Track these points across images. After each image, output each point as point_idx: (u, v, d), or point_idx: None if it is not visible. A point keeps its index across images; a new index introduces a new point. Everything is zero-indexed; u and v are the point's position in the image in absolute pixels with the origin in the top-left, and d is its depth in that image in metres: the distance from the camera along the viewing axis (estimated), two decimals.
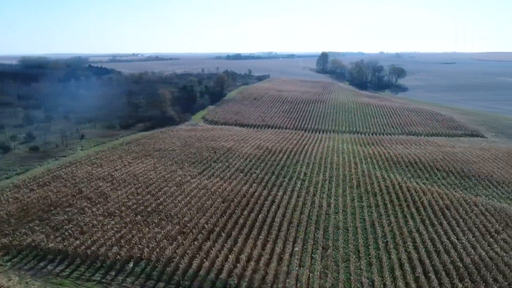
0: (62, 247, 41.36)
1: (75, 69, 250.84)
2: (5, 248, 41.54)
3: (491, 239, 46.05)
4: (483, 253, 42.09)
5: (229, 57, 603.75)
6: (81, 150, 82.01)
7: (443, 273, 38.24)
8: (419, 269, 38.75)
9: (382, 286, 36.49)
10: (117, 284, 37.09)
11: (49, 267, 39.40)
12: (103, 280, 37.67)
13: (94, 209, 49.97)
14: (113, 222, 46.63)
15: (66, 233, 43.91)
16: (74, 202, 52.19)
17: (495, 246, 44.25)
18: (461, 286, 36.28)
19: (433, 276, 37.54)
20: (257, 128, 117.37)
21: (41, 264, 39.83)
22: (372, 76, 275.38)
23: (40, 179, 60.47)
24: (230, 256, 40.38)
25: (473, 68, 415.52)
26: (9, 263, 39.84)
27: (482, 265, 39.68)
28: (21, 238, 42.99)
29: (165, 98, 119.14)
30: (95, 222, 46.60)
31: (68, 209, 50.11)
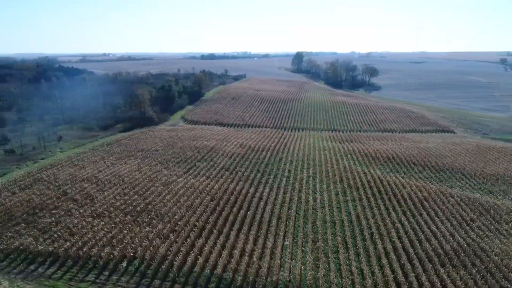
0: (53, 249, 40.82)
1: (46, 70, 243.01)
2: None
3: (467, 227, 49.01)
4: (461, 240, 44.83)
5: (203, 57, 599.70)
6: (60, 152, 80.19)
7: (426, 260, 40.54)
8: (404, 257, 40.88)
9: (370, 274, 38.31)
10: (112, 284, 37.11)
11: (39, 269, 38.88)
12: (97, 281, 37.58)
13: (81, 211, 49.39)
14: (102, 223, 46.33)
15: (55, 235, 43.31)
16: (60, 204, 51.34)
17: (471, 233, 47.18)
18: (443, 271, 38.63)
19: (417, 263, 39.74)
20: (238, 127, 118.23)
21: (31, 267, 39.23)
22: (346, 75, 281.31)
23: (21, 182, 58.92)
24: (223, 252, 41.17)
25: (441, 67, 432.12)
26: None
27: (461, 251, 42.32)
28: (8, 242, 42.08)
29: (144, 98, 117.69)
30: (84, 223, 46.14)
31: (54, 211, 49.29)
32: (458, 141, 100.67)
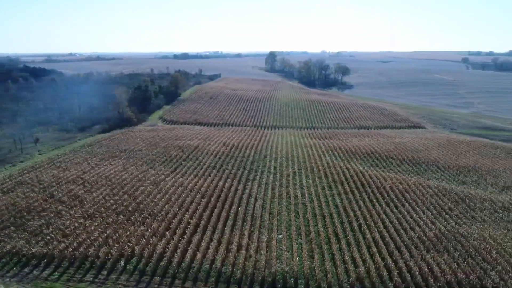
0: (47, 251, 40.28)
1: (10, 70, 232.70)
2: None
3: (446, 215, 52.33)
4: (442, 227, 47.92)
5: (176, 57, 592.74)
6: (39, 154, 77.97)
7: (412, 246, 43.18)
8: (392, 245, 43.35)
9: (362, 262, 40.37)
10: (112, 283, 37.20)
11: (35, 272, 38.31)
12: (96, 280, 37.55)
13: (71, 212, 48.76)
14: (95, 224, 46.03)
15: (48, 237, 42.67)
16: (48, 206, 50.38)
17: (451, 221, 50.47)
18: (429, 256, 41.34)
19: (405, 250, 42.28)
20: (218, 126, 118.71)
21: (26, 270, 38.58)
22: (319, 74, 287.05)
23: (3, 185, 57.14)
24: (220, 247, 42.12)
25: (407, 66, 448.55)
26: None
27: (443, 238, 45.32)
28: (8, 245, 41.06)
29: (121, 98, 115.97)
30: (76, 224, 45.65)
31: (43, 213, 48.36)
32: (430, 136, 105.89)
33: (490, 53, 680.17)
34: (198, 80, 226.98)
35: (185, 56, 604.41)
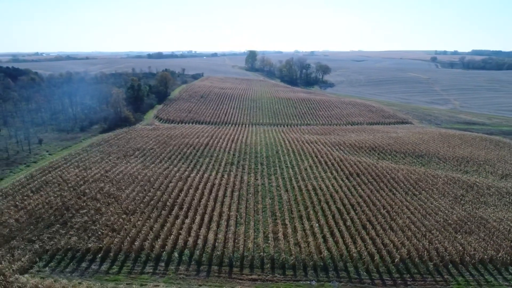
0: (102, 245, 40.98)
1: None
2: (37, 253, 39.64)
3: (461, 201, 56.77)
4: (462, 212, 52.19)
5: (150, 56, 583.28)
6: (49, 154, 76.72)
7: (442, 229, 47.03)
8: (423, 228, 47.00)
9: (401, 244, 43.57)
10: (172, 273, 38.51)
11: (93, 266, 39.01)
12: (157, 271, 38.75)
13: (111, 209, 49.28)
14: (140, 219, 46.98)
15: (99, 233, 43.29)
16: (84, 204, 50.59)
17: (467, 206, 54.92)
18: (459, 236, 45.24)
19: (436, 232, 46.07)
20: (216, 125, 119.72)
21: (83, 264, 39.19)
22: (301, 73, 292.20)
23: (30, 185, 56.47)
24: (268, 236, 44.19)
25: (381, 65, 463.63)
26: (47, 268, 38.38)
27: (466, 220, 49.49)
28: (51, 243, 41.30)
29: (118, 98, 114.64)
30: (121, 220, 46.37)
31: (82, 211, 48.62)
32: (422, 131, 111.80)
33: (455, 52, 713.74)
34: (183, 79, 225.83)
35: (159, 55, 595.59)
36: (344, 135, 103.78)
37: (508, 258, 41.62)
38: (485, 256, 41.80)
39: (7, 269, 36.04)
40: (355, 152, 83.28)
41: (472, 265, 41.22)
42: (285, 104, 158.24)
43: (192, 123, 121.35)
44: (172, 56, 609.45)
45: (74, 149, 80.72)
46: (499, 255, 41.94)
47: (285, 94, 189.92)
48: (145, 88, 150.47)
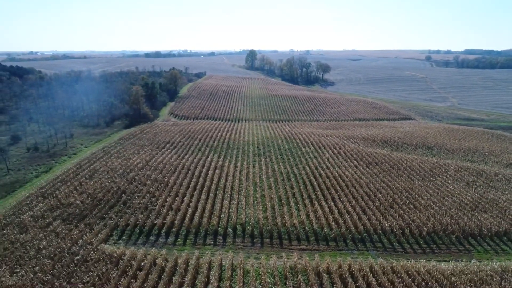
0: (166, 222, 46.31)
1: None
2: (110, 228, 44.83)
3: (473, 186, 62.99)
4: (475, 194, 58.40)
5: (148, 55, 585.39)
6: (85, 147, 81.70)
7: (460, 208, 53.10)
8: (443, 208, 53.04)
9: (427, 220, 49.44)
10: (231, 244, 43.99)
11: (160, 239, 44.34)
12: (217, 243, 44.21)
13: (164, 193, 54.57)
14: (194, 200, 52.29)
15: (161, 212, 48.62)
16: (137, 188, 55.86)
17: (479, 189, 61.16)
18: (476, 214, 51.36)
19: (455, 210, 52.09)
20: (230, 121, 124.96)
21: (151, 238, 44.52)
22: (302, 72, 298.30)
23: (82, 173, 61.58)
24: (310, 214, 49.90)
25: (377, 64, 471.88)
26: (120, 240, 43.66)
27: (479, 201, 55.71)
28: (121, 220, 46.57)
29: (138, 95, 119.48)
30: (176, 201, 51.71)
31: (138, 194, 53.95)
32: (427, 126, 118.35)
33: (448, 52, 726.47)
34: (189, 77, 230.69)
35: (157, 54, 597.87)
36: (354, 130, 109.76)
37: None
38: (500, 230, 47.96)
39: (92, 240, 41.28)
40: (369, 145, 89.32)
41: (489, 237, 47.34)
42: (292, 101, 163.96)
43: (207, 119, 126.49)
44: (170, 55, 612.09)
45: (106, 142, 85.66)
46: None
47: (289, 92, 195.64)
48: (157, 86, 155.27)
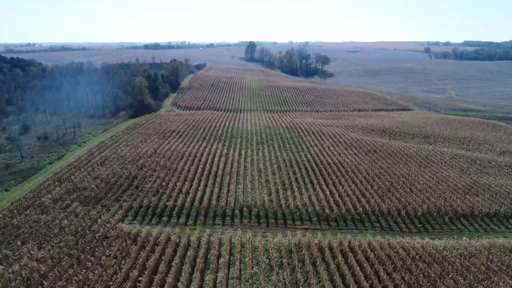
0: (177, 204, 49.27)
1: None
2: (125, 210, 47.74)
3: (467, 171, 66.12)
4: (468, 179, 61.54)
5: (147, 47, 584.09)
6: (93, 136, 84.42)
7: (454, 191, 56.23)
8: (438, 191, 56.15)
9: (422, 203, 52.52)
10: (239, 224, 47.01)
11: (172, 220, 47.30)
12: (225, 223, 47.22)
13: (173, 178, 57.47)
14: (202, 184, 55.26)
15: (172, 194, 51.55)
16: (147, 174, 58.76)
17: (472, 175, 64.28)
18: (469, 197, 54.49)
19: (449, 194, 55.22)
20: (232, 111, 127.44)
21: (164, 219, 47.48)
22: (301, 63, 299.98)
23: (94, 160, 64.42)
24: (312, 196, 52.94)
25: (376, 56, 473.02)
26: (135, 220, 46.62)
27: (472, 185, 58.88)
28: (134, 202, 49.53)
29: (141, 86, 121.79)
30: (186, 185, 54.63)
31: (149, 179, 56.90)
32: (425, 116, 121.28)
33: (447, 43, 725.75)
34: (189, 69, 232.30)
35: (156, 46, 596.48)
36: (353, 120, 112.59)
37: (509, 212, 51.03)
38: (490, 211, 51.11)
39: (110, 219, 44.26)
40: (368, 134, 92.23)
41: (480, 218, 50.51)
42: (292, 92, 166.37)
43: (209, 109, 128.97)
44: (169, 47, 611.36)
45: (114, 131, 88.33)
46: (502, 209, 51.32)
47: (289, 83, 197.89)
48: (160, 78, 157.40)
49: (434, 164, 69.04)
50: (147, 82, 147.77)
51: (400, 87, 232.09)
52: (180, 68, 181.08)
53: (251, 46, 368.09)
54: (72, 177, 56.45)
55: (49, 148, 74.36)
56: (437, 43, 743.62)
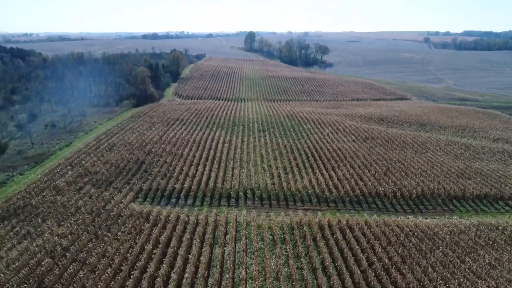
0: (184, 187, 51.97)
1: None
2: (135, 192, 50.43)
3: (460, 157, 68.90)
4: (462, 164, 64.35)
5: (145, 37, 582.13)
6: (99, 124, 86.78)
7: (447, 175, 59.02)
8: (432, 175, 58.93)
9: (416, 185, 55.33)
10: (243, 205, 49.74)
11: (180, 201, 50.02)
12: (230, 204, 49.97)
13: (179, 163, 60.11)
14: (207, 169, 57.92)
15: (179, 178, 54.23)
16: (154, 159, 61.38)
17: (466, 161, 67.08)
18: (461, 180, 57.35)
19: (443, 177, 58.01)
20: (233, 101, 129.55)
21: (172, 200, 50.21)
22: (300, 53, 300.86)
23: (102, 146, 67.03)
24: (312, 179, 55.69)
25: (375, 46, 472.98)
26: (145, 202, 49.34)
27: (465, 170, 61.68)
28: (144, 184, 52.25)
29: (144, 76, 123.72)
30: (192, 169, 57.30)
31: (156, 163, 59.57)
32: (422, 105, 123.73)
33: (447, 33, 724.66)
34: (189, 59, 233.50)
35: (155, 36, 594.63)
36: (352, 109, 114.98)
37: (498, 194, 53.90)
38: (481, 193, 53.98)
39: (122, 200, 47.01)
40: (366, 122, 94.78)
41: (471, 199, 53.38)
42: (292, 82, 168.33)
43: (211, 99, 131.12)
44: (168, 37, 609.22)
45: (119, 120, 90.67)
46: (492, 192, 54.21)
47: (289, 73, 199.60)
48: (161, 67, 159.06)
49: (429, 150, 71.77)
50: (149, 72, 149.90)
51: (398, 77, 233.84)
52: (181, 58, 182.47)
53: (250, 36, 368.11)
54: (83, 162, 59.06)
55: (57, 135, 76.76)
56: (437, 33, 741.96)
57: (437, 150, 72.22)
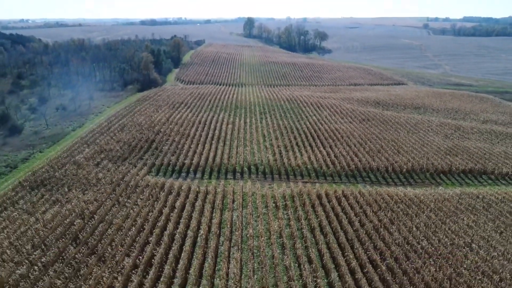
0: (194, 162, 56.43)
1: None
2: (148, 166, 54.90)
3: (450, 137, 73.49)
4: (450, 143, 68.95)
5: (143, 23, 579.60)
6: (107, 107, 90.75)
7: (436, 153, 63.64)
8: (422, 152, 63.52)
9: (407, 162, 59.95)
10: (248, 178, 54.30)
11: (190, 175, 54.52)
12: (236, 177, 54.46)
13: (188, 142, 64.49)
14: (214, 147, 62.36)
15: (188, 155, 58.71)
16: (164, 138, 65.70)
17: (455, 140, 71.67)
18: (448, 157, 61.97)
19: (432, 155, 62.63)
20: (235, 86, 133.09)
21: (183, 174, 54.73)
22: (299, 40, 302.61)
23: (113, 127, 71.20)
24: (311, 157, 60.21)
25: (374, 32, 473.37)
26: (158, 175, 53.85)
27: (453, 148, 66.30)
28: (156, 160, 56.74)
29: (148, 62, 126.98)
30: (200, 148, 61.72)
31: (166, 142, 63.93)
32: (417, 90, 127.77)
33: (447, 19, 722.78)
34: (190, 45, 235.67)
35: (153, 22, 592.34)
36: (350, 93, 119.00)
37: (482, 169, 58.64)
38: (466, 168, 58.69)
39: (138, 173, 51.53)
40: (363, 105, 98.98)
41: (457, 174, 58.10)
42: (291, 68, 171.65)
43: (212, 84, 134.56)
44: (166, 23, 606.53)
45: (126, 103, 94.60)
46: (476, 167, 58.91)
47: (288, 59, 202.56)
48: (163, 53, 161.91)
49: (421, 131, 76.28)
50: (153, 58, 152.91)
51: (396, 63, 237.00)
52: (182, 44, 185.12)
53: (249, 22, 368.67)
54: (97, 141, 63.38)
55: (68, 117, 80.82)
56: (436, 19, 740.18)
57: (429, 131, 76.71)
